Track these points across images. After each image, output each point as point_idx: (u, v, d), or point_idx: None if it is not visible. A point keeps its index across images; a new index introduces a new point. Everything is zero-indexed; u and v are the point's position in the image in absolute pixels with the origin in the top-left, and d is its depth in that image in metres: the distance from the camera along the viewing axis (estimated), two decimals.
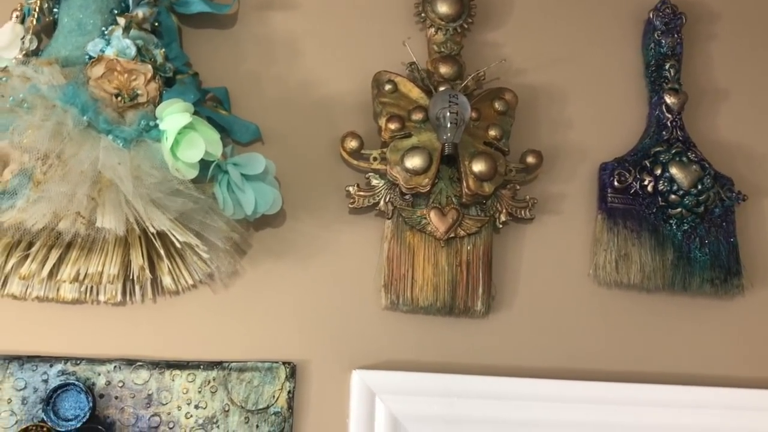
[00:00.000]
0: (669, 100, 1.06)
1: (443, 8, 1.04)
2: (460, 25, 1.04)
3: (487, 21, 1.08)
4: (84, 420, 0.84)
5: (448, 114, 0.95)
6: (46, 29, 0.94)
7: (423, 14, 1.04)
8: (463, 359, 0.96)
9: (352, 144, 0.98)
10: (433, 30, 1.04)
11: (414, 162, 0.96)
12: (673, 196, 1.01)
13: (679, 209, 1.01)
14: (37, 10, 0.92)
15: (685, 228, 1.02)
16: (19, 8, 0.93)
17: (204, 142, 0.84)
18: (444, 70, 1.01)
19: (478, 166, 0.96)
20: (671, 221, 1.02)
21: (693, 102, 1.09)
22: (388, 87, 1.00)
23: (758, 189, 1.08)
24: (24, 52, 0.90)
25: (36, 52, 0.91)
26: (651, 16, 1.09)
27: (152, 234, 0.83)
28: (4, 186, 0.79)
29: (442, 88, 0.99)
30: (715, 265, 1.01)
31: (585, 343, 0.99)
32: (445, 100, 0.96)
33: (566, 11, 1.10)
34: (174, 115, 0.84)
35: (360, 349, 0.94)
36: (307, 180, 0.99)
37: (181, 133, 0.84)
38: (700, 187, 1.02)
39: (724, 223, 1.03)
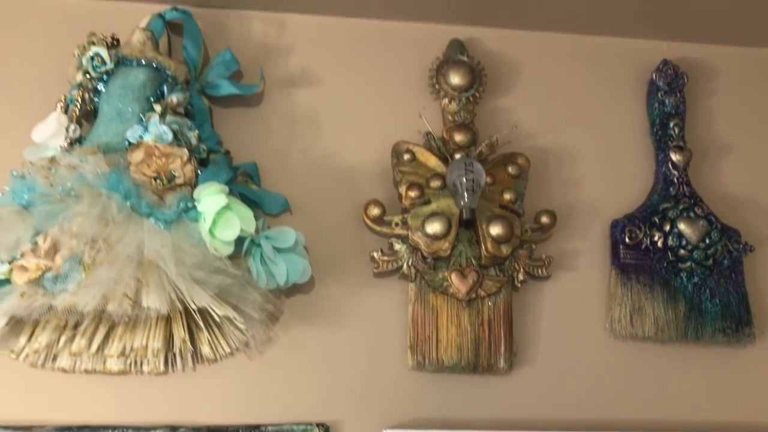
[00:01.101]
0: (674, 157, 1.11)
1: (455, 79, 1.10)
2: (472, 95, 1.10)
3: (498, 88, 1.14)
4: None
5: (465, 181, 1.01)
6: (88, 116, 1.01)
7: (437, 85, 1.10)
8: (489, 415, 1.01)
9: (375, 211, 1.04)
10: (447, 100, 1.10)
11: (434, 227, 1.01)
12: (682, 251, 1.06)
13: (688, 263, 1.06)
14: (79, 100, 0.98)
15: (696, 281, 1.06)
16: (62, 99, 0.99)
17: (239, 221, 0.90)
18: (459, 138, 1.07)
19: (496, 230, 1.02)
20: (682, 274, 1.06)
21: (698, 157, 1.14)
22: (406, 156, 1.06)
23: (765, 239, 1.12)
24: (68, 140, 0.97)
25: (79, 140, 0.98)
26: (654, 76, 1.15)
27: (193, 309, 0.88)
28: (57, 271, 0.85)
29: (457, 156, 1.05)
30: (726, 315, 1.06)
31: (604, 395, 1.03)
32: (461, 168, 1.02)
33: (572, 75, 1.16)
34: (211, 197, 0.90)
35: (389, 409, 0.99)
36: (333, 246, 1.04)
37: (218, 213, 0.90)
38: (707, 241, 1.06)
39: (733, 274, 1.08)
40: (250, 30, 1.12)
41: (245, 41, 1.11)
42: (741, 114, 1.18)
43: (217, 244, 0.89)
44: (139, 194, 0.90)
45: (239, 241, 0.92)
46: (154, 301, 0.85)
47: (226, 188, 0.92)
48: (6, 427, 0.91)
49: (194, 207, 0.92)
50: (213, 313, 0.90)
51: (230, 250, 0.90)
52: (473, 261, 1.03)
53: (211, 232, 0.89)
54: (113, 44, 1.01)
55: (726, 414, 1.04)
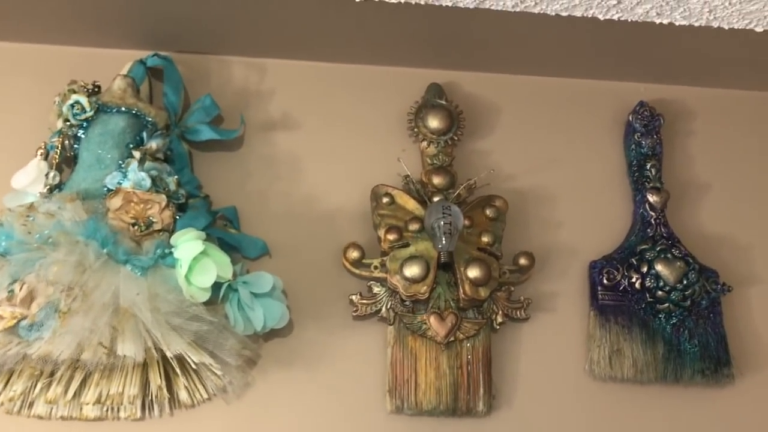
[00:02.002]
0: (651, 198, 1.12)
1: (434, 123, 1.11)
2: (450, 138, 1.11)
3: (476, 131, 1.15)
4: None
5: (442, 224, 1.02)
6: (68, 163, 1.02)
7: (415, 129, 1.12)
8: None
9: (354, 254, 1.04)
10: (425, 143, 1.11)
11: (412, 271, 1.02)
12: (660, 292, 1.06)
13: (666, 304, 1.06)
14: (59, 147, 0.99)
15: (674, 321, 1.07)
16: (43, 146, 1.00)
17: (215, 267, 0.91)
18: (437, 181, 1.08)
19: (473, 272, 1.02)
20: (660, 315, 1.07)
21: (676, 198, 1.15)
22: (385, 200, 1.07)
23: (744, 278, 1.13)
24: (48, 187, 0.98)
25: (59, 186, 0.99)
26: (630, 118, 1.16)
27: (169, 356, 0.88)
28: (32, 319, 0.85)
29: (436, 199, 1.06)
30: (704, 356, 1.06)
31: None
32: (438, 211, 1.03)
33: (550, 118, 1.18)
34: (187, 244, 0.91)
35: None
36: (312, 290, 1.05)
37: (194, 259, 0.90)
38: (685, 282, 1.07)
39: (711, 315, 1.08)
40: (231, 75, 1.13)
41: (226, 86, 1.13)
42: (718, 155, 1.20)
43: (193, 291, 0.90)
44: (116, 241, 0.91)
45: (216, 286, 0.93)
46: (129, 350, 0.85)
47: (203, 234, 0.92)
48: None
49: (171, 253, 0.92)
50: (190, 361, 0.90)
51: (206, 296, 0.91)
52: (452, 304, 1.03)
53: (187, 278, 0.89)
54: (94, 91, 1.02)
55: None
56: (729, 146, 1.20)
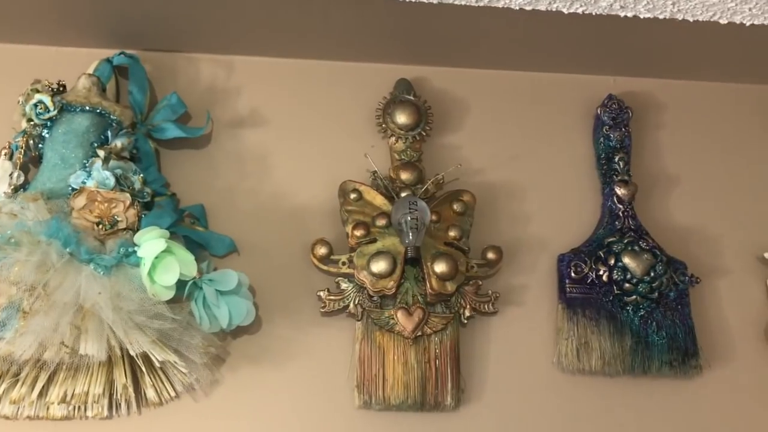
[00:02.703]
0: (620, 191, 1.12)
1: (402, 119, 1.11)
2: (418, 133, 1.12)
3: (445, 126, 1.16)
4: None
5: (409, 219, 1.02)
6: (33, 162, 1.02)
7: (384, 125, 1.12)
8: None
9: (322, 251, 1.04)
10: (393, 139, 1.11)
11: (379, 266, 1.02)
12: (627, 285, 1.07)
13: (634, 296, 1.07)
14: (23, 146, 0.99)
15: (642, 314, 1.07)
16: (7, 146, 1.00)
17: (179, 265, 0.91)
18: (405, 176, 1.08)
19: (440, 267, 1.02)
20: (628, 308, 1.07)
21: (645, 189, 1.15)
22: (353, 195, 1.07)
23: (712, 270, 1.13)
24: (12, 187, 0.98)
25: (24, 186, 0.99)
26: (599, 112, 1.17)
27: (134, 354, 0.89)
28: None
29: (403, 194, 1.06)
30: (672, 347, 1.06)
31: (553, 430, 1.03)
32: (405, 207, 1.03)
33: (518, 112, 1.18)
34: (150, 242, 0.91)
35: None
36: (281, 286, 1.05)
37: (157, 257, 0.90)
38: (652, 274, 1.07)
39: (679, 306, 1.08)
40: (198, 72, 1.13)
41: (193, 84, 1.13)
42: (687, 147, 1.20)
43: (157, 289, 0.90)
44: (78, 241, 0.91)
45: (181, 284, 0.93)
46: (92, 348, 0.85)
47: (166, 233, 0.92)
48: None
49: (135, 252, 0.92)
50: (154, 359, 0.90)
51: (170, 294, 0.91)
52: (419, 299, 1.04)
53: (150, 276, 0.89)
54: (59, 90, 1.02)
55: None
56: (698, 138, 1.21)
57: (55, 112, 0.99)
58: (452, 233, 1.05)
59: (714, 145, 1.21)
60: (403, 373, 1.01)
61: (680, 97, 1.23)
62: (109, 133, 1.00)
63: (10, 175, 0.98)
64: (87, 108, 1.00)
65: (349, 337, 1.03)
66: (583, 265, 1.08)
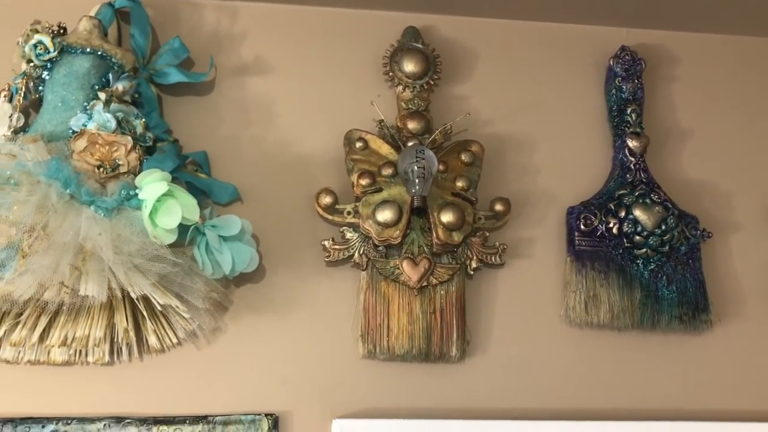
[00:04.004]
0: (631, 143, 1.10)
1: (409, 67, 1.09)
2: (426, 82, 1.09)
3: (453, 76, 1.13)
4: None
5: (416, 168, 1.00)
6: (34, 105, 1.00)
7: (391, 73, 1.09)
8: (441, 404, 1.00)
9: (327, 200, 1.03)
10: (401, 88, 1.09)
11: (385, 215, 1.00)
12: (637, 237, 1.05)
13: (644, 249, 1.05)
14: (23, 88, 0.97)
15: (652, 267, 1.05)
16: (6, 88, 0.98)
17: (181, 209, 0.89)
18: (412, 125, 1.06)
19: (447, 217, 1.01)
20: (638, 261, 1.05)
21: (657, 143, 1.13)
22: (359, 144, 1.05)
23: (724, 225, 1.11)
24: (12, 129, 0.96)
25: (24, 128, 0.97)
26: (611, 63, 1.14)
27: (135, 298, 0.87)
28: None
29: (410, 144, 1.04)
30: (682, 302, 1.04)
31: (559, 384, 1.02)
32: (412, 156, 1.01)
33: (529, 62, 1.15)
34: (152, 184, 0.89)
35: (340, 399, 0.98)
36: (284, 235, 1.03)
37: (159, 200, 0.88)
38: (663, 227, 1.05)
39: (690, 261, 1.07)
40: (202, 18, 1.11)
41: (197, 30, 1.10)
42: (700, 100, 1.18)
43: (158, 232, 0.88)
44: (79, 182, 0.89)
45: (183, 229, 0.91)
46: (92, 289, 0.84)
47: (168, 175, 0.91)
48: None
49: (136, 195, 0.90)
50: (155, 302, 0.88)
51: (172, 238, 0.89)
52: (425, 249, 1.02)
53: (151, 219, 0.88)
54: (59, 32, 1.00)
55: (682, 401, 1.03)
56: (711, 92, 1.18)
57: (56, 53, 0.97)
58: (460, 183, 1.03)
59: (727, 98, 1.18)
60: (408, 323, 1.00)
61: (694, 49, 1.20)
62: (111, 76, 0.98)
63: (10, 117, 0.96)
64: (88, 50, 0.98)
65: (353, 287, 1.02)
66: (593, 218, 1.06)
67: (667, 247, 1.05)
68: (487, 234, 1.04)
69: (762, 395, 1.05)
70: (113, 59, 0.99)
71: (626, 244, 1.05)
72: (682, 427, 1.00)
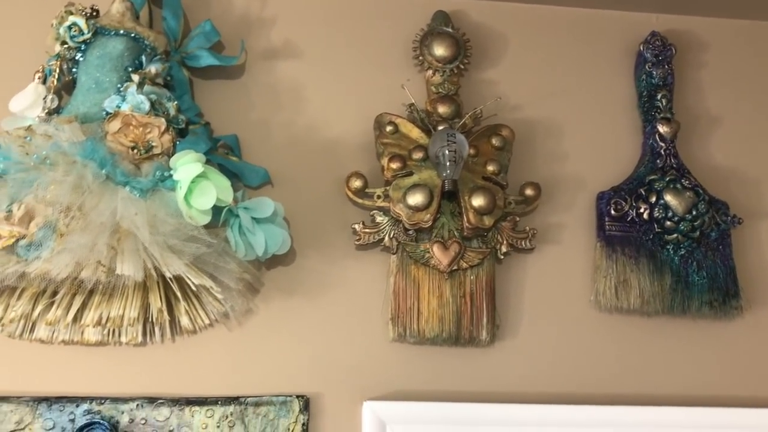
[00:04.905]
0: (662, 129, 1.09)
1: (440, 51, 1.09)
2: (456, 66, 1.09)
3: (483, 60, 1.13)
4: None
5: (447, 152, 1.00)
6: (67, 87, 1.00)
7: (421, 57, 1.09)
8: (470, 387, 1.00)
9: (357, 183, 1.03)
10: (431, 72, 1.09)
11: (416, 199, 1.00)
12: (668, 223, 1.04)
13: (675, 235, 1.05)
14: (57, 70, 0.98)
15: (682, 253, 1.05)
16: (40, 69, 0.99)
17: (215, 190, 0.90)
18: (442, 109, 1.06)
19: (478, 201, 1.01)
20: (668, 246, 1.05)
21: (687, 129, 1.12)
22: (389, 128, 1.05)
23: (754, 212, 1.11)
24: (46, 111, 0.96)
25: (57, 110, 0.97)
26: (641, 48, 1.14)
27: (169, 278, 0.88)
28: (31, 238, 0.84)
29: (440, 128, 1.04)
30: (713, 287, 1.04)
31: (588, 368, 1.02)
32: (443, 139, 1.01)
33: (559, 47, 1.15)
34: (187, 166, 0.89)
35: (370, 381, 0.98)
36: (314, 219, 1.04)
37: (194, 182, 0.89)
38: (694, 212, 1.05)
39: (720, 247, 1.06)
40: (233, 2, 1.11)
41: (228, 13, 1.10)
42: (730, 86, 1.17)
43: (193, 213, 0.88)
44: (114, 163, 0.90)
45: (217, 211, 0.91)
46: (128, 269, 0.84)
47: (203, 157, 0.91)
48: None
49: (171, 176, 0.91)
50: (190, 283, 0.89)
51: (206, 219, 0.90)
52: (455, 233, 1.02)
53: (186, 200, 0.88)
54: (92, 15, 1.00)
55: (712, 387, 1.03)
56: (741, 78, 1.18)
57: (89, 35, 0.97)
58: (490, 167, 1.03)
59: (757, 84, 1.18)
60: (438, 307, 1.00)
61: (723, 35, 1.19)
62: (143, 59, 0.99)
63: (44, 98, 0.97)
64: (121, 32, 0.99)
65: (383, 271, 1.02)
66: (624, 203, 1.06)
67: (697, 233, 1.05)
68: (518, 219, 1.04)
69: None
70: (146, 41, 1.00)
71: (657, 230, 1.05)
72: (712, 412, 1.00)
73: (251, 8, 1.11)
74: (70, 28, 0.97)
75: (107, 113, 0.95)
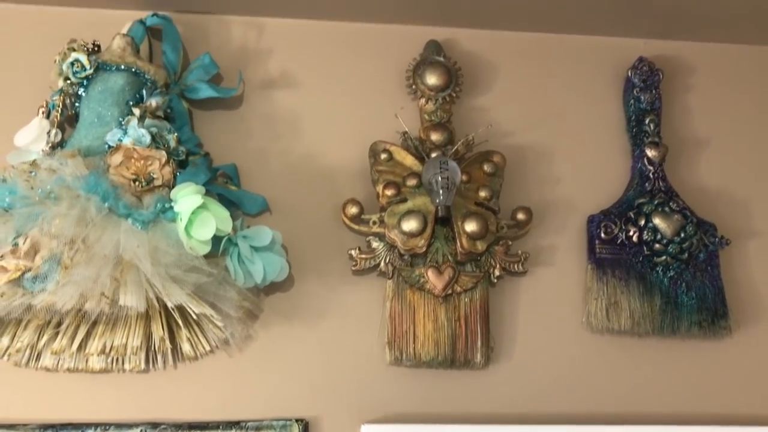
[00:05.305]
0: (650, 153, 1.12)
1: (432, 80, 1.11)
2: (448, 94, 1.12)
3: (475, 88, 1.16)
4: None
5: (440, 179, 1.02)
6: (70, 121, 1.03)
7: (414, 86, 1.12)
8: (466, 409, 1.02)
9: (353, 210, 1.05)
10: (423, 100, 1.12)
11: (410, 225, 1.03)
12: (657, 245, 1.07)
13: (664, 257, 1.07)
14: (60, 105, 1.01)
15: (671, 274, 1.07)
16: (44, 104, 1.02)
17: (215, 221, 0.92)
18: (435, 137, 1.09)
19: (470, 226, 1.03)
20: (657, 268, 1.07)
21: (675, 152, 1.15)
22: (383, 156, 1.08)
23: (741, 232, 1.13)
24: (50, 145, 0.99)
25: (61, 144, 1.00)
26: (629, 74, 1.16)
27: (171, 307, 0.90)
28: (36, 271, 0.87)
29: (433, 155, 1.07)
30: (702, 308, 1.06)
31: (581, 389, 1.04)
32: (436, 167, 1.04)
33: (549, 74, 1.18)
34: (187, 198, 0.92)
35: (368, 404, 1.01)
36: (312, 245, 1.06)
37: (194, 213, 0.92)
38: (682, 234, 1.07)
39: (709, 267, 1.09)
40: (230, 34, 1.14)
41: (225, 45, 1.13)
42: (717, 109, 1.20)
43: (193, 244, 0.91)
44: (116, 196, 0.92)
45: (216, 240, 0.94)
46: (131, 300, 0.87)
47: (203, 188, 0.94)
48: None
49: (171, 207, 0.93)
50: (191, 311, 0.91)
51: (206, 249, 0.92)
52: (449, 257, 1.05)
53: (187, 231, 0.91)
54: (94, 50, 1.03)
55: (702, 406, 1.05)
56: (728, 101, 1.20)
57: (91, 71, 1.00)
58: (482, 193, 1.06)
59: (743, 107, 1.20)
60: (433, 330, 1.02)
61: (710, 59, 1.22)
62: (144, 92, 1.01)
63: (48, 133, 1.00)
64: (122, 67, 1.02)
65: (379, 296, 1.05)
66: (613, 226, 1.09)
67: (686, 255, 1.07)
68: (510, 243, 1.07)
69: None
70: (146, 75, 1.03)
71: (646, 252, 1.07)
72: (702, 430, 1.02)
73: (249, 41, 1.14)
74: (72, 64, 1.00)
75: (109, 146, 0.97)
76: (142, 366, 0.96)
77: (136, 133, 0.97)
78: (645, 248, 1.07)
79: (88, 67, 1.00)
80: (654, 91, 1.16)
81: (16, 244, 0.88)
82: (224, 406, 0.99)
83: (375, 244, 1.05)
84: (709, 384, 1.06)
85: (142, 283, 0.88)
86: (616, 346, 1.06)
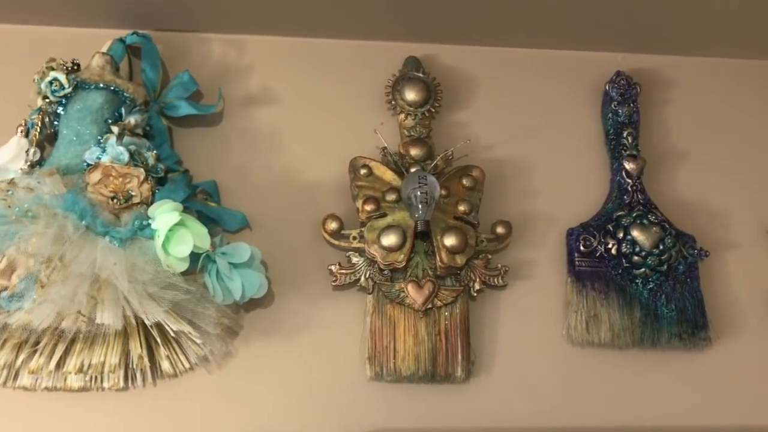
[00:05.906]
0: (628, 166, 1.13)
1: (411, 95, 1.12)
2: (427, 110, 1.13)
3: (454, 103, 1.17)
4: None
5: (419, 194, 1.03)
6: (49, 140, 1.04)
7: (393, 102, 1.13)
8: (447, 424, 1.02)
9: (333, 225, 1.06)
10: (403, 116, 1.12)
11: (390, 240, 1.03)
12: (636, 257, 1.08)
13: (643, 269, 1.08)
14: (39, 124, 1.01)
15: (651, 286, 1.08)
16: (23, 123, 1.02)
17: (192, 238, 0.92)
18: (414, 152, 1.09)
19: (450, 241, 1.04)
20: (637, 281, 1.08)
21: (653, 165, 1.16)
22: (363, 171, 1.08)
23: (720, 244, 1.14)
24: (29, 163, 0.99)
25: (40, 162, 1.00)
26: (607, 88, 1.17)
27: (149, 325, 0.90)
28: (13, 290, 0.87)
29: (412, 170, 1.07)
30: (682, 320, 1.07)
31: (562, 402, 1.04)
32: (415, 181, 1.04)
33: (527, 88, 1.19)
34: (164, 215, 0.92)
35: (348, 420, 1.00)
36: (292, 261, 1.06)
37: (171, 230, 0.92)
38: (661, 247, 1.08)
39: (688, 279, 1.09)
40: (210, 52, 1.15)
41: (205, 63, 1.14)
42: (694, 122, 1.21)
43: (171, 261, 0.91)
44: (94, 213, 0.92)
45: (194, 257, 0.94)
46: (108, 318, 0.87)
47: (180, 205, 0.94)
48: None
49: (149, 225, 0.94)
50: (169, 329, 0.91)
51: (184, 266, 0.92)
52: (429, 272, 1.05)
53: (164, 248, 0.91)
54: (73, 69, 1.04)
55: (683, 418, 1.05)
56: (705, 114, 1.21)
57: (70, 89, 1.00)
58: (462, 207, 1.06)
59: (721, 120, 1.21)
60: (413, 345, 1.02)
61: (688, 73, 1.23)
62: (123, 110, 1.02)
63: (27, 151, 1.00)
64: (101, 85, 1.02)
65: (360, 311, 1.05)
66: (592, 239, 1.09)
67: (665, 267, 1.08)
68: (490, 256, 1.07)
69: (762, 411, 1.07)
70: (125, 94, 1.03)
71: (625, 264, 1.08)
72: None
73: (228, 58, 1.15)
74: (51, 83, 1.00)
75: (88, 164, 0.98)
76: (121, 384, 0.96)
77: (115, 150, 0.98)
78: (624, 261, 1.08)
79: (66, 86, 1.00)
80: (632, 105, 1.17)
81: None
82: (205, 424, 0.98)
83: (355, 259, 1.05)
84: (690, 396, 1.06)
85: (120, 301, 0.88)
86: (597, 359, 1.06)
